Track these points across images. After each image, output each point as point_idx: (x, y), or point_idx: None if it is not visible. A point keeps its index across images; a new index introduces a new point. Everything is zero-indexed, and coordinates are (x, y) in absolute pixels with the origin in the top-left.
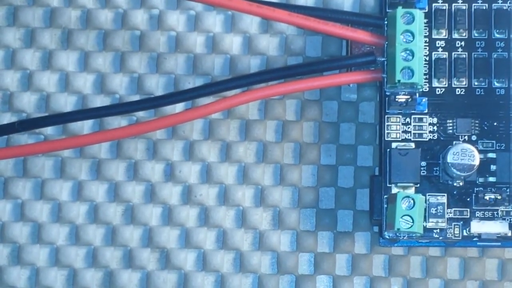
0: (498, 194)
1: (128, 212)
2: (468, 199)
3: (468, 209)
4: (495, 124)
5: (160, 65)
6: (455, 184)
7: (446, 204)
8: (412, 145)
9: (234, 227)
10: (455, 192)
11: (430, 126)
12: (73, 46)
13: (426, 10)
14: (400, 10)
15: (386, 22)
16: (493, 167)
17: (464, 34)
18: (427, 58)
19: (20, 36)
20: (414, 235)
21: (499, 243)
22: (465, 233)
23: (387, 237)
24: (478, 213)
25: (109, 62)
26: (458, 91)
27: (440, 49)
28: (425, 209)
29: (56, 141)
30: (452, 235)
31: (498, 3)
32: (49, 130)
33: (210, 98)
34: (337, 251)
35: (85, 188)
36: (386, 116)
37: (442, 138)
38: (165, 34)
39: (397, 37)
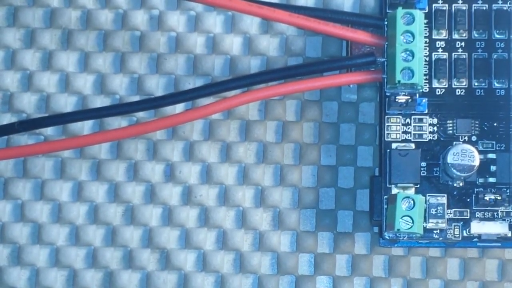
0: (498, 195)
1: (128, 212)
2: (468, 200)
3: (468, 210)
4: (495, 124)
5: (160, 66)
6: (455, 184)
7: (446, 204)
8: (412, 145)
9: (234, 227)
10: (455, 193)
11: (430, 127)
12: (73, 47)
13: (426, 11)
14: (400, 11)
15: (386, 23)
16: (493, 168)
17: (464, 35)
18: (427, 59)
19: (20, 36)
20: (414, 235)
21: (499, 244)
22: (465, 234)
23: (387, 237)
24: (478, 214)
25: (109, 62)
26: (458, 91)
27: (440, 50)
28: (425, 210)
29: (56, 141)
30: (452, 235)
31: (498, 3)
32: (49, 131)
33: (210, 99)
34: (337, 251)
35: (85, 188)
36: (386, 116)
37: (442, 139)
38: (165, 35)
39: (397, 37)
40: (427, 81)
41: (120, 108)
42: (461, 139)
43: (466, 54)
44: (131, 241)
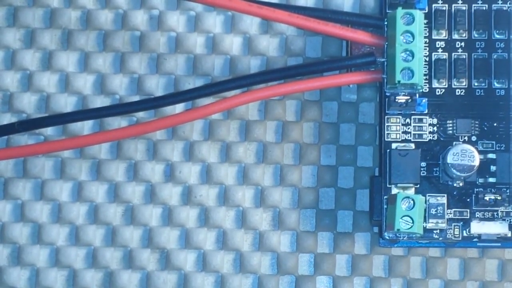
0: (498, 195)
1: (128, 212)
2: (468, 200)
3: (468, 210)
4: (495, 124)
5: (160, 66)
6: (455, 184)
7: (446, 204)
8: (412, 145)
9: (234, 227)
10: (455, 193)
11: (430, 127)
12: (73, 47)
13: (426, 11)
14: (400, 11)
15: (386, 23)
16: (493, 168)
17: (464, 35)
18: (427, 59)
19: (20, 36)
20: (414, 235)
21: (499, 244)
22: (465, 234)
23: (387, 237)
24: (478, 214)
25: (109, 62)
26: (458, 91)
27: (440, 50)
28: (425, 210)
29: (56, 141)
30: (452, 235)
31: (498, 3)
32: (49, 131)
33: (210, 99)
34: (337, 251)
35: (85, 188)
36: (386, 116)
37: (442, 139)
38: (165, 35)
39: (397, 37)
40: (427, 81)
41: (120, 108)
42: (461, 139)
43: (466, 54)
44: (131, 241)
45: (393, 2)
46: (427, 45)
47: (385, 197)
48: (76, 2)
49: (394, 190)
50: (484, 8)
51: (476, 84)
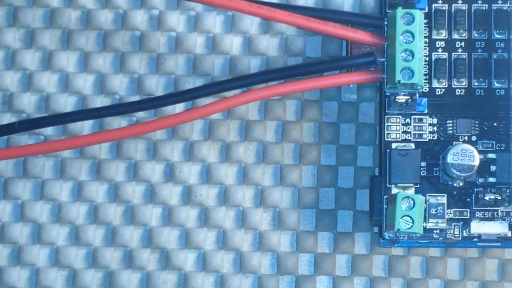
0: (498, 195)
1: (128, 212)
2: (468, 200)
3: (468, 210)
4: (495, 124)
5: (160, 66)
6: (455, 184)
7: (446, 204)
8: (412, 145)
9: (234, 227)
10: (455, 193)
11: (430, 127)
12: (73, 47)
13: (426, 11)
14: (400, 11)
15: (386, 23)
16: (493, 168)
17: (464, 35)
18: (427, 59)
19: (20, 36)
20: (414, 235)
21: (499, 244)
22: (465, 234)
23: (387, 237)
24: (478, 214)
25: (109, 62)
26: (458, 91)
27: (440, 50)
28: (425, 210)
29: (56, 141)
30: (452, 235)
31: (498, 3)
32: (49, 131)
33: (210, 99)
34: (337, 251)
35: (85, 188)
36: (386, 116)
37: (442, 139)
38: (165, 35)
39: (397, 37)
40: (427, 81)
41: (120, 108)
42: (461, 139)
43: (466, 54)
44: (131, 241)
45: (393, 2)
46: (427, 45)
47: (385, 197)
48: (76, 2)
49: (394, 190)
50: (484, 8)
51: (476, 84)
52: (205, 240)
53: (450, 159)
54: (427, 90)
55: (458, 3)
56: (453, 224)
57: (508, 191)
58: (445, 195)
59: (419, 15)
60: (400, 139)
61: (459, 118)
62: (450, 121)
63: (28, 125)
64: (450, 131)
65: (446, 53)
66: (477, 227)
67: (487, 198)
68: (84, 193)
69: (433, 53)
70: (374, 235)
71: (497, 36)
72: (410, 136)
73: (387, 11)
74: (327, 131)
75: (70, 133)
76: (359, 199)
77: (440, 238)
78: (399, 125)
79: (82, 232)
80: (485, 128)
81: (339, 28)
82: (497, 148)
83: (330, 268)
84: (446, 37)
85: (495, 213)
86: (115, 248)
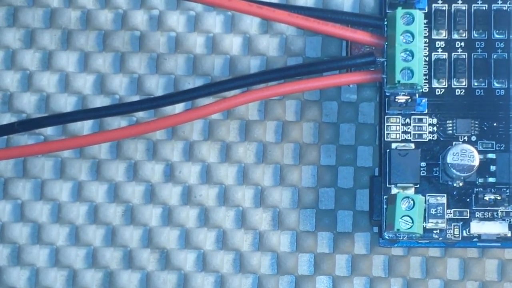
0: (497, 195)
1: (128, 212)
2: (468, 200)
3: (468, 210)
4: (494, 124)
5: (160, 66)
6: (454, 184)
7: (445, 204)
8: (412, 145)
9: (234, 227)
10: (454, 193)
11: (429, 127)
12: (73, 47)
13: (426, 11)
14: (399, 11)
15: (386, 23)
16: (492, 168)
17: (464, 35)
18: (427, 59)
19: (20, 36)
20: (413, 235)
21: (499, 244)
22: (465, 234)
23: (387, 237)
24: (477, 214)
25: (109, 62)
26: (458, 91)
27: (440, 50)
28: (425, 210)
29: (56, 141)
30: (452, 235)
31: (498, 3)
32: (49, 131)
33: (210, 99)
34: (337, 251)
35: (85, 188)
36: (386, 116)
37: (441, 139)
38: (165, 35)
39: (397, 37)
40: (426, 81)
41: (120, 108)
42: (461, 139)
43: (466, 54)
44: (131, 241)
45: (393, 2)
46: (427, 45)
47: (385, 197)
48: (76, 2)
49: (394, 190)
50: (484, 8)
51: (476, 84)
52: (205, 240)
53: (450, 159)
54: (427, 90)
55: (458, 3)
56: (453, 224)
57: (507, 191)
58: (445, 195)
59: (419, 15)
60: (400, 139)
61: (459, 118)
62: (450, 121)
63: (28, 125)
64: (450, 131)
65: (446, 53)
66: (477, 227)
67: (487, 198)
68: (84, 193)
69: (433, 53)
70: (374, 235)
71: (497, 36)
72: (410, 136)
73: (387, 11)
74: (327, 131)
75: (70, 133)
76: (359, 199)
77: (440, 238)
78: (399, 125)
79: (82, 232)
80: (485, 128)
81: (339, 28)
82: (496, 148)
83: (330, 268)
84: (446, 37)
85: (495, 213)
86: (115, 248)
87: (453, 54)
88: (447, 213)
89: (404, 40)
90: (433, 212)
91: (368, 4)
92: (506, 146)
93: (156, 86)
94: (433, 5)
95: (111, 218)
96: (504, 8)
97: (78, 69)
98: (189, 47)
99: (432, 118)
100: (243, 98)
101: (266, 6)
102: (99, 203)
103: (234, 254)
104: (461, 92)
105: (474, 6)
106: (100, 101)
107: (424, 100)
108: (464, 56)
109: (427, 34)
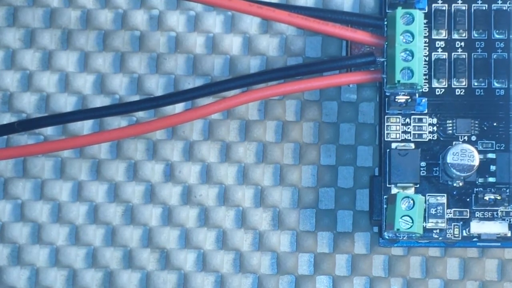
0: (497, 195)
1: (128, 212)
2: (468, 200)
3: (468, 210)
4: (494, 124)
5: (160, 66)
6: (454, 184)
7: (445, 204)
8: (412, 145)
9: (234, 227)
10: (454, 193)
11: (429, 127)
12: (73, 47)
13: (426, 11)
14: (399, 11)
15: (385, 23)
16: (492, 168)
17: (463, 35)
18: (427, 59)
19: (20, 36)
20: (413, 235)
21: (499, 244)
22: (464, 234)
23: (387, 237)
24: (477, 214)
25: (109, 62)
26: (457, 91)
27: (439, 50)
28: (425, 210)
29: (56, 141)
30: (451, 235)
31: (498, 3)
32: (49, 131)
33: (210, 99)
34: (337, 251)
35: (85, 188)
36: (386, 116)
37: (441, 139)
38: (165, 35)
39: (396, 37)
40: (426, 81)
41: (120, 108)
42: (461, 139)
43: (466, 54)
44: (130, 241)
45: (393, 2)
46: (426, 45)
47: (385, 196)
48: (76, 2)
49: (394, 190)
50: (484, 8)
51: (476, 84)
52: (205, 240)
53: (449, 159)
54: (426, 90)
55: (458, 3)
56: (452, 224)
57: (507, 191)
58: (445, 195)
59: (419, 15)
60: (400, 139)
61: (459, 118)
62: (450, 121)
63: (27, 125)
64: (450, 131)
65: (446, 53)
66: (477, 227)
67: (486, 198)
68: (84, 193)
69: (433, 53)
70: (374, 235)
71: (497, 36)
72: (410, 136)
73: (387, 11)
74: (327, 131)
75: (70, 133)
76: (359, 199)
77: (440, 238)
78: (399, 125)
79: (82, 232)
80: (485, 128)
81: (339, 28)
82: (496, 148)
83: (330, 268)
84: (446, 37)
85: (494, 213)
86: (115, 248)
87: (453, 54)
88: (447, 213)
89: (404, 40)
90: (433, 212)
91: (368, 4)
92: (506, 146)
93: (156, 86)
94: (433, 5)
95: (111, 218)
96: (504, 8)
97: (78, 69)
98: (189, 47)
99: (432, 118)
100: (243, 98)
101: (266, 6)
102: (99, 203)
103: (234, 254)
104: (461, 92)
105: (474, 6)
106: (100, 101)
107: (424, 100)
108: (464, 56)
109: (427, 34)
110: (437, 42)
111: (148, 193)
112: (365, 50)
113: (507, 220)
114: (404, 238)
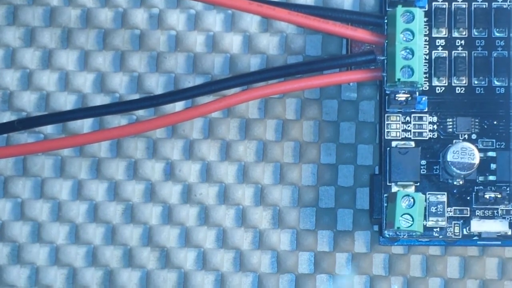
0: (498, 193)
1: (128, 211)
2: (468, 198)
3: (468, 208)
4: (495, 122)
5: (160, 64)
6: (455, 183)
7: (446, 202)
8: (412, 143)
9: (234, 226)
10: (455, 191)
11: (430, 125)
12: (73, 45)
13: (426, 9)
14: (400, 9)
15: (386, 21)
16: (493, 166)
17: (464, 33)
18: (427, 57)
19: (20, 35)
20: (414, 234)
21: (499, 242)
22: (465, 232)
23: (387, 236)
24: (478, 212)
25: (109, 61)
26: (458, 89)
27: (440, 48)
28: (425, 208)
29: (55, 140)
30: (452, 234)
31: (498, 2)
32: (48, 129)
33: (210, 97)
34: (337, 250)
35: (85, 187)
36: (386, 115)
37: (442, 137)
38: (165, 33)
39: (397, 35)
40: (427, 79)
41: (120, 107)
42: (461, 137)
43: (466, 52)
44: (131, 239)
45: (393, 0)
46: (427, 43)
47: (385, 195)
48: (76, 0)
49: (394, 188)
50: (484, 6)
51: (476, 82)
52: (205, 239)
53: (450, 157)
54: (427, 88)
55: (458, 1)
56: (453, 222)
57: (508, 189)
58: (445, 193)
59: (419, 13)
60: (400, 138)
61: (459, 116)
62: (450, 119)
63: (27, 123)
64: (450, 129)
65: (446, 51)
66: (477, 226)
67: (487, 196)
68: (84, 191)
69: (433, 51)
70: (374, 233)
71: (497, 34)
72: (410, 134)
73: (387, 9)
74: (327, 129)
75: (70, 131)
76: (359, 198)
77: (440, 237)
78: (399, 124)
79: (82, 231)
80: (485, 127)
81: (339, 27)
82: (497, 146)
83: (330, 267)
84: (446, 35)
85: (495, 211)
86: (115, 247)
87: (453, 52)
88: (447, 211)
89: (404, 38)
90: (433, 210)
91: (368, 2)
92: (506, 144)
93: (156, 84)
94: (433, 3)
95: (111, 217)
96: (504, 6)
97: (78, 68)
98: (189, 45)
99: (432, 116)
100: (243, 96)
101: (266, 4)
102: (99, 202)
103: (234, 253)
104: (461, 90)
105: (474, 4)
106: (100, 100)
107: (424, 98)
108: (464, 54)
109: (427, 32)
110: (437, 40)
111: (148, 192)
112: (365, 48)
113: (508, 219)
114: (405, 237)
